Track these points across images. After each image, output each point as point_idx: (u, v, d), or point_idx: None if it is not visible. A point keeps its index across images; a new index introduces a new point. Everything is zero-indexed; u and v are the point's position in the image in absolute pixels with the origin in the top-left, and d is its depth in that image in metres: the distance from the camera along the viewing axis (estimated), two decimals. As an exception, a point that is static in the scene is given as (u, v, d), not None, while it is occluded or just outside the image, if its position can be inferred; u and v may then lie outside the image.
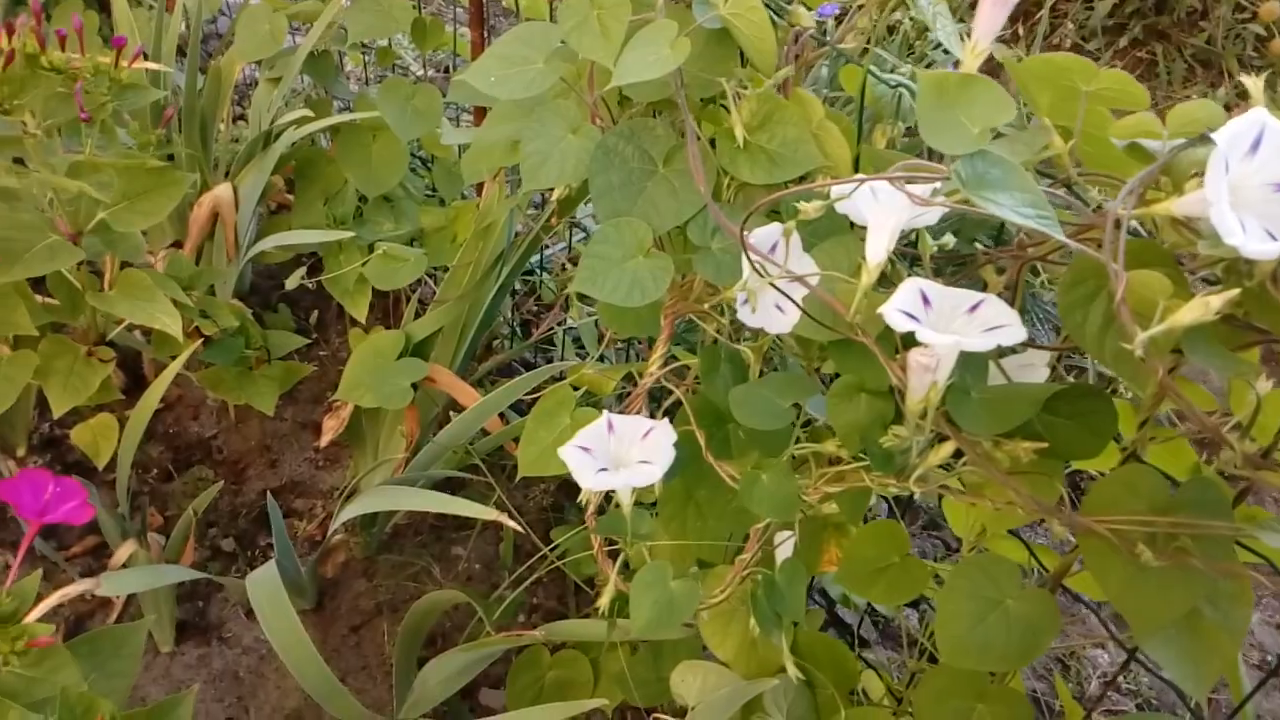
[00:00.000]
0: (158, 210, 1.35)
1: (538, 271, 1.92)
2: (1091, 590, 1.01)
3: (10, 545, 1.70)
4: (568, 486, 1.77)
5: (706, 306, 0.97)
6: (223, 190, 1.68)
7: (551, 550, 1.49)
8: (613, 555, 1.08)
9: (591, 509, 1.01)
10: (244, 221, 1.72)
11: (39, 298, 1.46)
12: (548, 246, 1.89)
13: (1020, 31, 3.49)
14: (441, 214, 1.71)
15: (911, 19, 2.14)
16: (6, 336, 1.43)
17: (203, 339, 1.54)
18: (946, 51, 2.03)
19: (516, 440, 1.58)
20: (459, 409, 1.63)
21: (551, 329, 1.98)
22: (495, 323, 1.70)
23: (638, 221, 0.91)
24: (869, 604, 1.65)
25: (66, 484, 0.85)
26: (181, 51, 1.86)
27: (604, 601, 0.98)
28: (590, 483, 0.87)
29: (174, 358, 1.46)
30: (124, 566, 1.42)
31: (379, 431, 1.67)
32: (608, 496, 1.06)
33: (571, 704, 1.22)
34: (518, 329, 1.90)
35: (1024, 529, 1.38)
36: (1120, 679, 1.76)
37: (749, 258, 0.78)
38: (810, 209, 0.73)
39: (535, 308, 2.13)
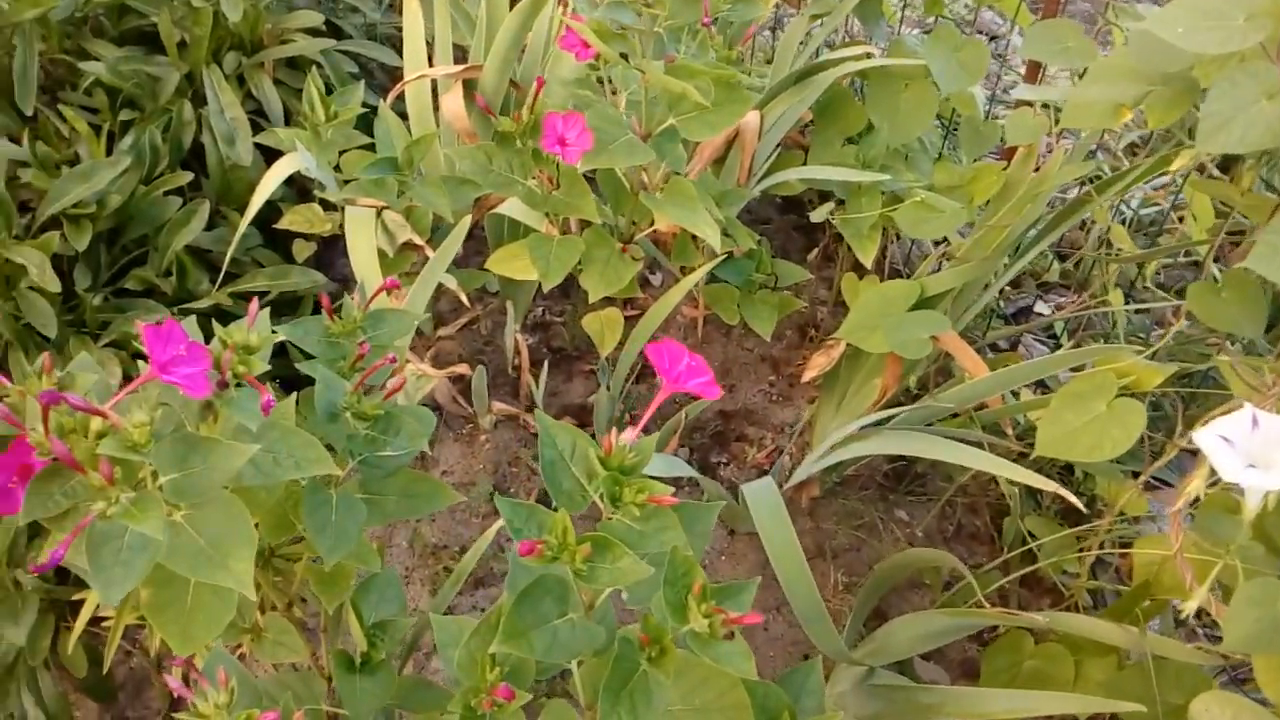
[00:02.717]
0: (722, 124, 1.39)
1: (1048, 252, 1.83)
2: None
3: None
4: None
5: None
6: (751, 117, 1.71)
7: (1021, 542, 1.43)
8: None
9: (1180, 505, 0.94)
10: (763, 151, 1.75)
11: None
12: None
13: None
14: (957, 172, 1.65)
15: None
16: (557, 220, 1.54)
17: (718, 256, 1.59)
18: None
19: (1011, 419, 1.52)
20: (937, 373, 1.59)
21: (1030, 311, 1.89)
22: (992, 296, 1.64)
23: (1343, 204, 0.82)
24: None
25: (696, 360, 0.89)
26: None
27: (1189, 609, 0.91)
28: (1238, 478, 0.80)
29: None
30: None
31: (853, 378, 1.66)
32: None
33: (1062, 696, 1.16)
34: (1001, 307, 1.83)
35: None
36: None
37: None
38: None
39: (1010, 291, 2.04)
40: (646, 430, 1.69)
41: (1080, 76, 1.63)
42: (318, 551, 1.02)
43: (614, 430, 0.89)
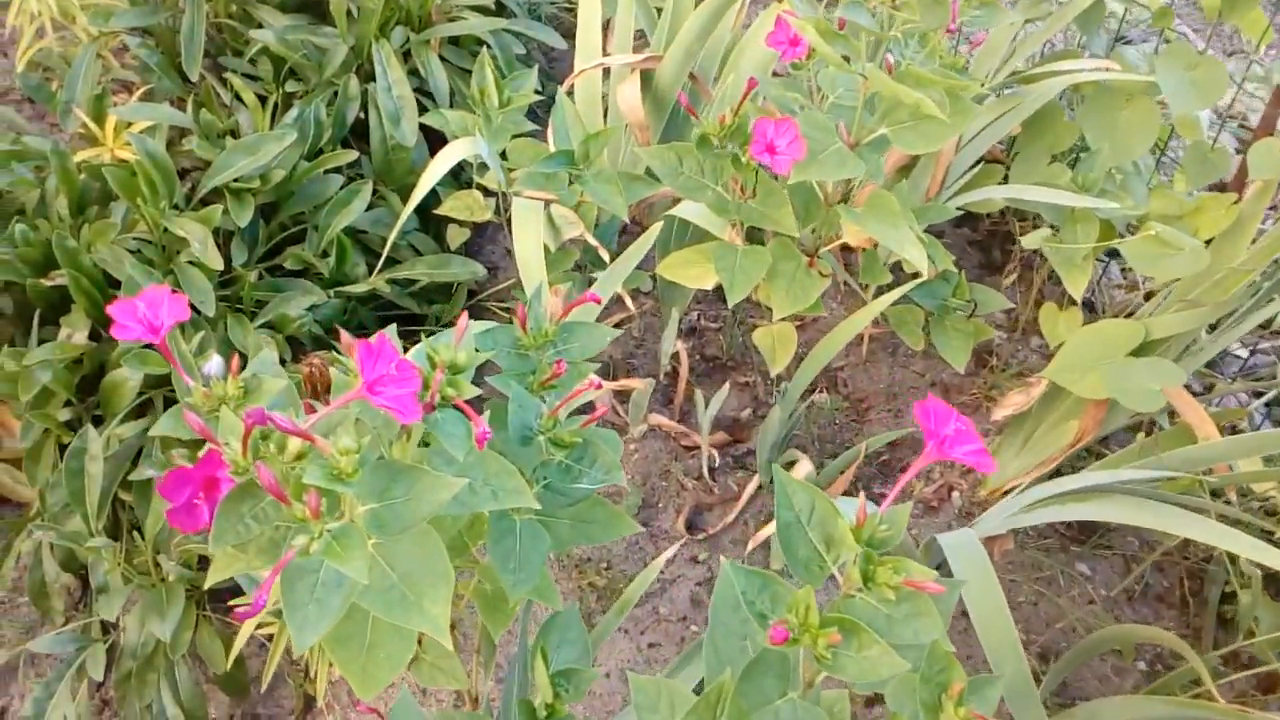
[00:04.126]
0: (943, 136, 1.26)
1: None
2: None
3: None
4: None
5: None
6: (950, 128, 1.58)
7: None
8: None
9: None
10: (960, 165, 1.62)
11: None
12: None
13: None
14: (1177, 202, 1.50)
15: None
16: (741, 228, 1.43)
17: (910, 276, 1.46)
18: None
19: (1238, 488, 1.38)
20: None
21: (1225, 354, 1.73)
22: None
23: None
24: None
25: (965, 423, 0.78)
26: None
27: None
28: None
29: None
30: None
31: (1044, 418, 1.53)
32: None
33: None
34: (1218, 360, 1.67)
35: None
36: None
37: None
38: None
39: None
40: (797, 446, 1.58)
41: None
42: (500, 583, 0.94)
43: (863, 496, 0.79)
